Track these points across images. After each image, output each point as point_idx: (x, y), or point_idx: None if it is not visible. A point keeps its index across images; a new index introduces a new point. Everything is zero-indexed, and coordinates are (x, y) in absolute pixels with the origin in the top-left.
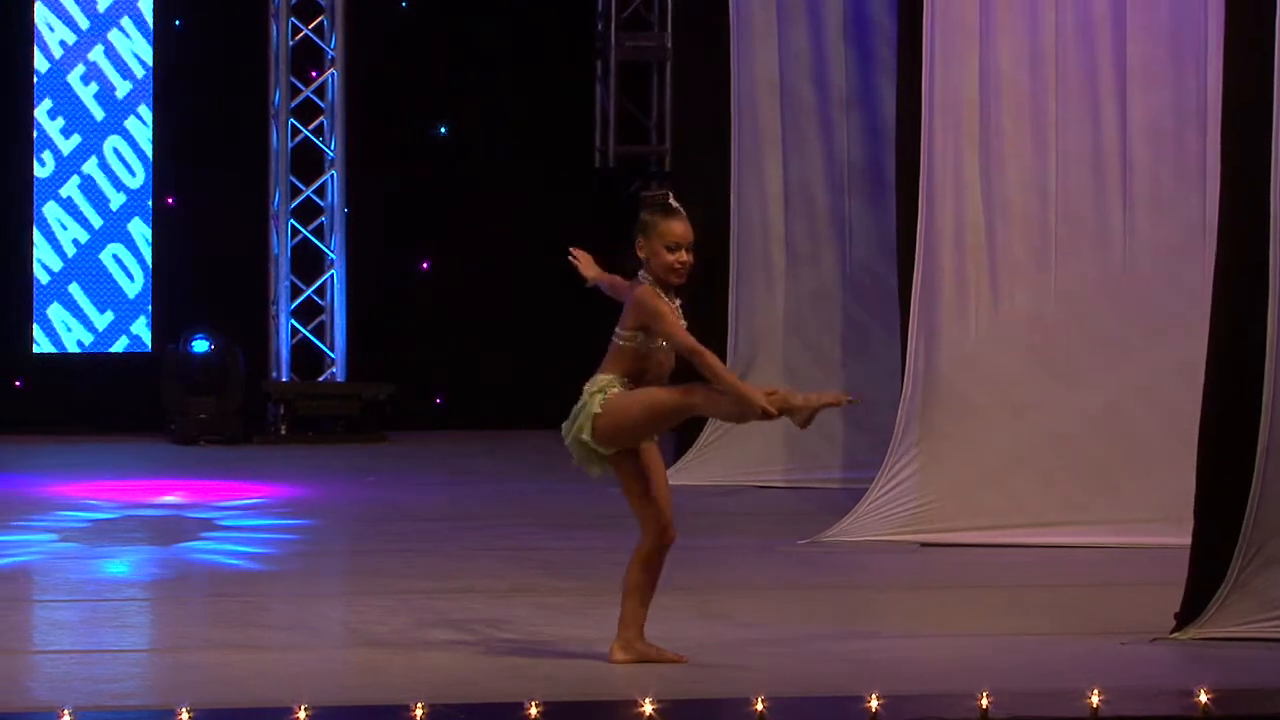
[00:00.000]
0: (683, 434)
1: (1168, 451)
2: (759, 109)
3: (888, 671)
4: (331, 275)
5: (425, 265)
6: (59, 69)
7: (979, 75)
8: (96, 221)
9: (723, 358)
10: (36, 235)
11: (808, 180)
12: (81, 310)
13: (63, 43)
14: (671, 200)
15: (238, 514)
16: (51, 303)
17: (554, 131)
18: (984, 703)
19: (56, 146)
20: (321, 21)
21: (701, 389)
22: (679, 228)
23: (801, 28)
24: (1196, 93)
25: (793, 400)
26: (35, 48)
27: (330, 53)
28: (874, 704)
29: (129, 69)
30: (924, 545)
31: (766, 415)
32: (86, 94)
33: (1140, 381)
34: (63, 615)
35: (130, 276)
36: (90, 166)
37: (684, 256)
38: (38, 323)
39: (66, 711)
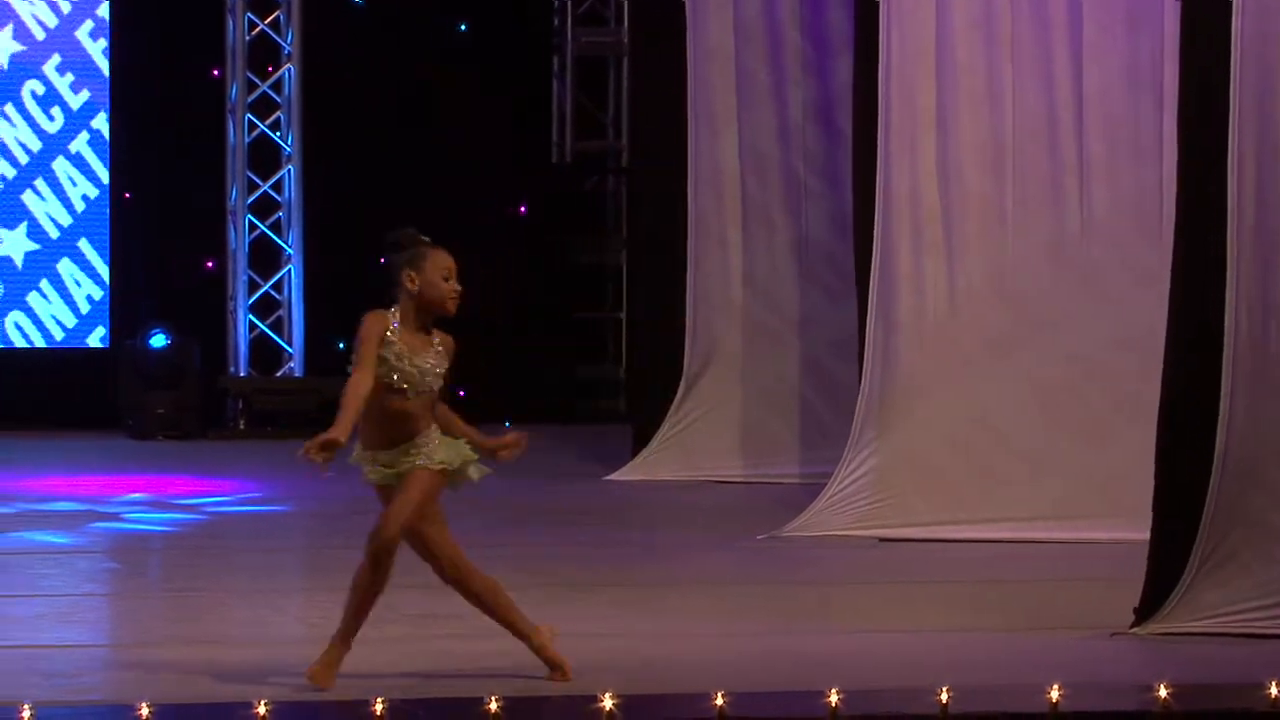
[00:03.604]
0: (640, 428)
1: (1122, 434)
2: (713, 83)
3: (848, 666)
4: (289, 270)
5: (382, 260)
6: (68, 23)
7: (935, 43)
8: (105, 176)
9: (679, 347)
10: (46, 190)
11: (762, 154)
12: (90, 265)
13: None
14: None
15: (194, 510)
16: (61, 258)
17: (511, 127)
18: (944, 697)
19: (66, 102)
20: (278, 16)
21: None
22: (449, 258)
23: (755, 1)
24: (1151, 63)
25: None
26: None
27: (287, 48)
28: (834, 699)
29: None
30: (882, 540)
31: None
32: (95, 49)
33: (1091, 361)
34: (18, 610)
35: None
36: (99, 121)
37: (456, 285)
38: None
39: (26, 706)
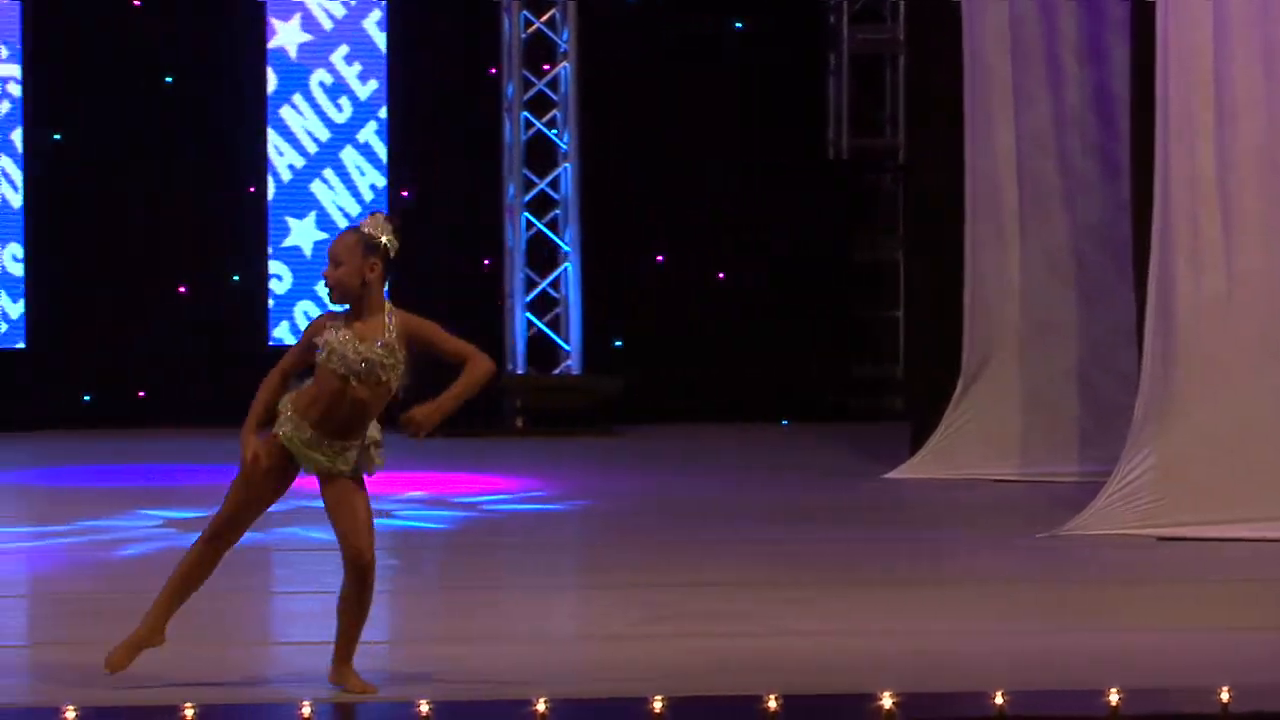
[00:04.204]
0: (918, 427)
1: None
2: (988, 80)
3: (1128, 665)
4: (566, 268)
5: (660, 258)
6: (355, 14)
7: (1211, 37)
8: (379, 181)
9: (957, 345)
10: (335, 179)
11: (1038, 151)
12: None
13: None
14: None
15: (471, 508)
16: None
17: (786, 124)
18: (1225, 696)
19: (353, 92)
20: (553, 14)
21: None
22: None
23: None
24: None
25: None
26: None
27: (563, 45)
28: (1114, 698)
29: None
30: (1161, 539)
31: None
32: (382, 40)
33: None
34: (297, 607)
35: None
36: (386, 112)
37: (327, 269)
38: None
39: (307, 703)
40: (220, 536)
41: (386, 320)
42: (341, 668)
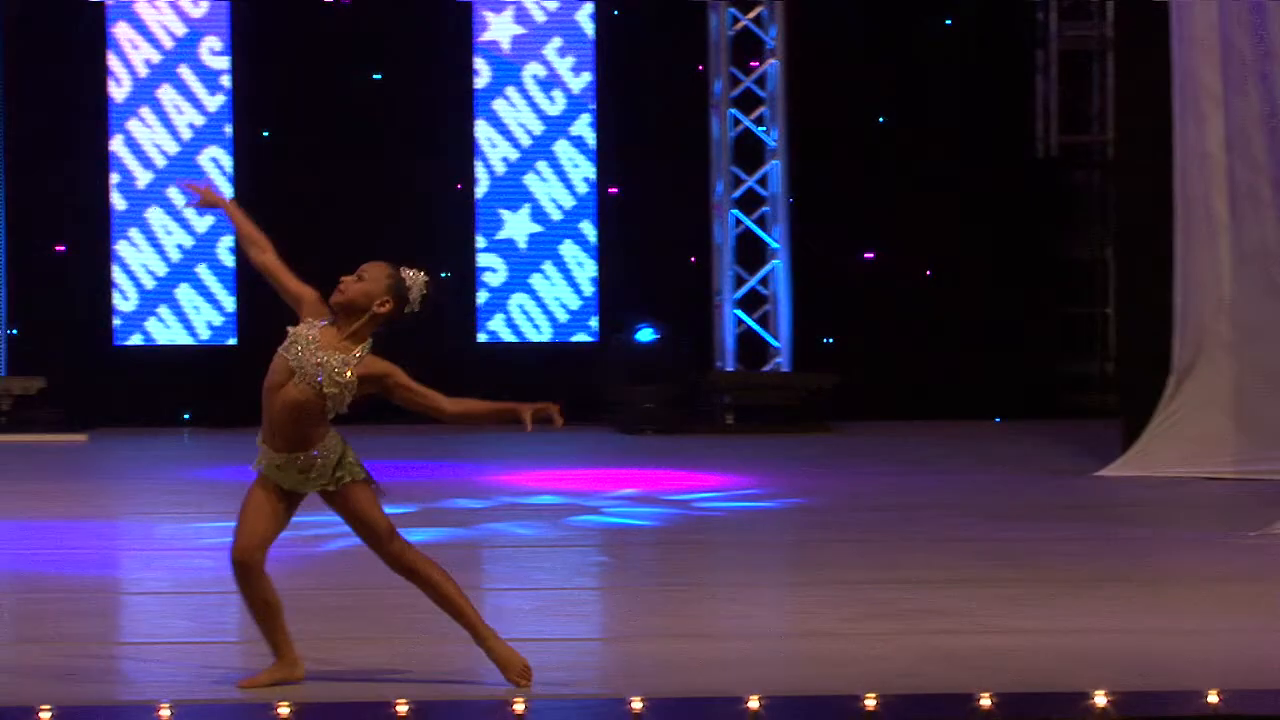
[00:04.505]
0: (1130, 423)
1: None
2: (1199, 72)
3: None
4: (774, 265)
5: (869, 255)
6: (567, 6)
7: None
8: (591, 173)
9: (1168, 341)
10: (548, 172)
11: (1249, 139)
12: (593, 247)
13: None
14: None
15: (682, 505)
16: (563, 240)
17: (994, 121)
18: None
19: (566, 84)
20: (760, 12)
21: None
22: None
23: None
24: None
25: None
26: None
27: (770, 43)
28: None
29: None
30: None
31: None
32: (592, 33)
33: None
34: (509, 603)
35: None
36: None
37: (349, 276)
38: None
39: (520, 700)
40: (252, 560)
41: (359, 352)
42: (488, 654)
